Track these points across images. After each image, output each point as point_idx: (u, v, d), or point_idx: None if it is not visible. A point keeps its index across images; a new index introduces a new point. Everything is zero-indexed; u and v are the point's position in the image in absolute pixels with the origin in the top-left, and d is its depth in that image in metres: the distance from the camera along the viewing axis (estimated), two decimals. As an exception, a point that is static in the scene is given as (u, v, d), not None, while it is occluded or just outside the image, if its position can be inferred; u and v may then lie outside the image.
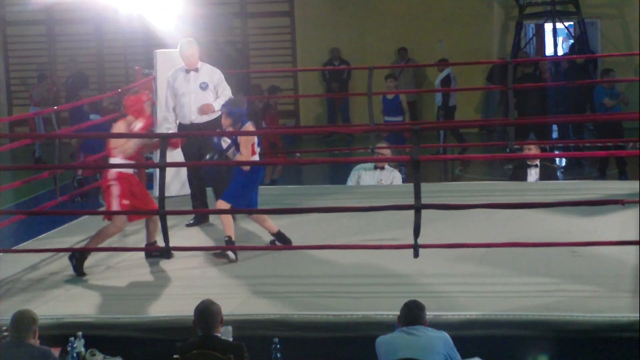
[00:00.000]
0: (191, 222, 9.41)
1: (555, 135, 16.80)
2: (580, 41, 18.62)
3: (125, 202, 8.02)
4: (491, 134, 18.64)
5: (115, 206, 8.02)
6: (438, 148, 15.85)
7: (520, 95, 14.30)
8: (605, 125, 14.27)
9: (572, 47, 19.17)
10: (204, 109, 9.22)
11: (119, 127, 8.32)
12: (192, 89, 9.30)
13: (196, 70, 9.37)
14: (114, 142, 8.19)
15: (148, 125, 8.43)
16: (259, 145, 8.37)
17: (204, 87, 9.30)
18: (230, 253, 8.13)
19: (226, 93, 9.29)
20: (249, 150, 8.13)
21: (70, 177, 14.89)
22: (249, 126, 8.28)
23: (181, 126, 9.41)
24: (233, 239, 8.17)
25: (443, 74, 18.02)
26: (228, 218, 8.21)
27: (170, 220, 8.08)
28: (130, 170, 8.24)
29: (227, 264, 8.08)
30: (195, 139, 9.14)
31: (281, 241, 8.40)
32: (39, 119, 18.23)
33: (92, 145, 13.98)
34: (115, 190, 8.02)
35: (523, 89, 14.09)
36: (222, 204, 8.20)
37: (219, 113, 8.80)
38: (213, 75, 9.38)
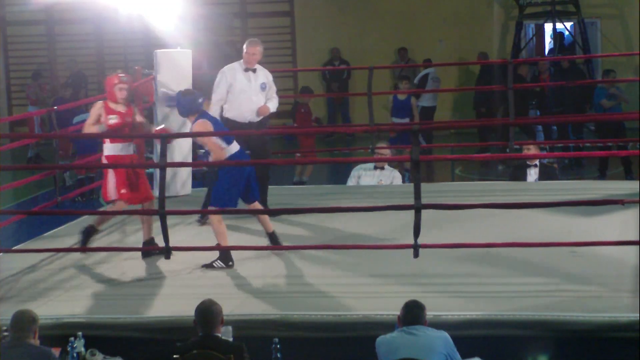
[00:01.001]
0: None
1: (555, 135, 16.82)
2: (560, 39, 18.72)
3: (123, 191, 8.20)
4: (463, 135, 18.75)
5: (111, 191, 8.23)
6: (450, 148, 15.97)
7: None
8: (606, 126, 14.28)
9: (563, 47, 19.21)
10: (262, 111, 9.25)
11: (93, 109, 8.35)
12: (253, 88, 9.27)
13: (254, 70, 9.35)
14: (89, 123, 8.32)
15: (122, 124, 8.31)
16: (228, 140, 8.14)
17: (263, 87, 9.32)
18: (217, 263, 7.99)
19: (275, 95, 9.40)
20: (216, 145, 8.00)
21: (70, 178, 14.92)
22: (202, 122, 8.10)
23: (235, 124, 9.19)
24: (224, 244, 8.00)
25: (422, 73, 18.09)
26: (220, 226, 8.00)
27: (170, 220, 8.09)
28: (119, 152, 8.29)
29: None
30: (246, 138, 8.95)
31: (273, 242, 8.29)
32: (37, 118, 18.22)
33: (85, 145, 13.95)
34: (112, 177, 8.21)
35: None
36: (213, 218, 8.05)
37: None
38: (268, 76, 9.42)
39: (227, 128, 8.75)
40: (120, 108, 8.34)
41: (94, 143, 14.16)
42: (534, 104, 17.20)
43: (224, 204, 8.02)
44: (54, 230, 9.75)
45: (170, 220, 8.19)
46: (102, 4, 14.38)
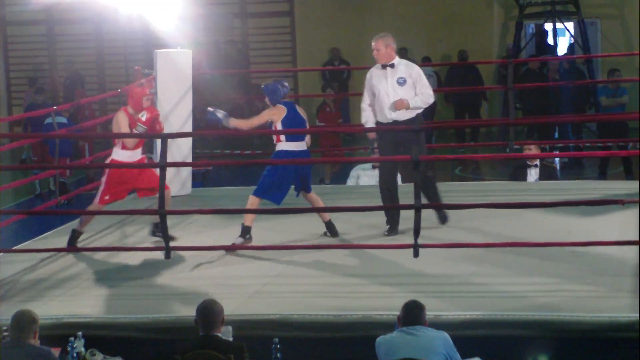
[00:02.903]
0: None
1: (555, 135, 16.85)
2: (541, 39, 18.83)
3: (107, 197, 8.57)
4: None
5: (100, 191, 8.63)
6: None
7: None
8: (607, 125, 14.29)
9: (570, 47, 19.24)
10: (397, 105, 8.75)
11: (121, 116, 8.62)
12: (389, 84, 8.89)
13: (392, 66, 9.04)
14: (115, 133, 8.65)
15: (153, 117, 8.60)
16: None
17: (401, 82, 8.87)
18: (238, 240, 8.40)
19: (424, 90, 8.82)
20: (251, 123, 8.53)
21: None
22: (277, 107, 8.52)
23: (381, 125, 8.89)
24: (248, 225, 8.45)
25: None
26: (252, 208, 8.42)
27: (171, 220, 8.10)
28: (127, 159, 8.58)
29: (227, 263, 8.08)
30: (391, 135, 8.78)
31: (331, 231, 8.67)
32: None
33: (60, 148, 13.91)
34: (104, 179, 8.59)
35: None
36: (252, 199, 8.46)
37: (419, 110, 8.79)
38: (411, 70, 8.98)
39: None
40: (145, 114, 8.62)
41: (69, 147, 14.20)
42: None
43: (268, 197, 8.46)
44: (54, 230, 9.75)
45: (171, 220, 8.21)
46: (102, 4, 14.39)
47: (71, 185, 14.40)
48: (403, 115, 8.75)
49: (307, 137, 8.70)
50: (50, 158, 14.60)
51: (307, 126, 8.83)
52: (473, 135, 18.25)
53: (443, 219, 8.88)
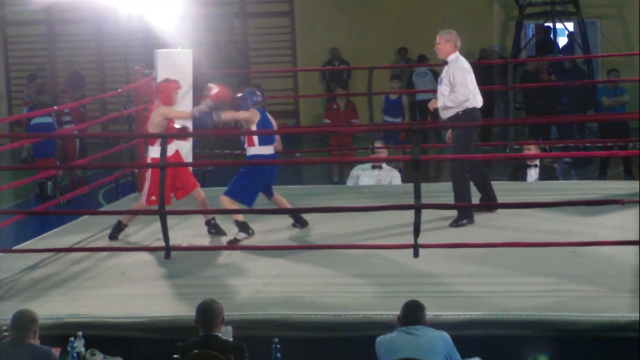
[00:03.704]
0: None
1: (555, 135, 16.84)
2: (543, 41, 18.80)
3: (153, 198, 8.60)
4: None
5: (144, 196, 8.85)
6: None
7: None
8: (607, 125, 14.28)
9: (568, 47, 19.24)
10: (430, 104, 9.16)
11: (157, 113, 8.88)
12: (444, 81, 9.08)
13: (445, 62, 9.17)
14: (152, 128, 8.81)
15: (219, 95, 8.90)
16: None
17: (440, 81, 9.14)
18: (240, 235, 8.64)
19: (457, 89, 8.87)
20: (238, 115, 8.89)
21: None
22: (253, 111, 8.83)
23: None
24: (242, 220, 8.68)
25: (417, 70, 18.12)
26: (232, 205, 8.66)
27: (170, 220, 8.10)
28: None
29: (227, 263, 8.08)
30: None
31: (298, 221, 8.98)
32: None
33: (43, 148, 13.90)
34: (148, 179, 8.81)
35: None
36: (224, 200, 8.69)
37: (459, 109, 8.87)
38: (453, 69, 9.06)
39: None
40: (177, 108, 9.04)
41: (53, 146, 14.20)
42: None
43: (241, 199, 8.68)
44: (54, 230, 9.75)
45: (170, 220, 8.20)
46: (102, 4, 14.41)
47: (65, 188, 14.38)
48: (442, 113, 9.02)
49: (278, 141, 9.08)
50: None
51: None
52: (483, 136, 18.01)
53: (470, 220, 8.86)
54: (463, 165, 8.81)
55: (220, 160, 13.96)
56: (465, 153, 8.83)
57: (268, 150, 8.82)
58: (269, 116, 9.02)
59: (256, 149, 8.80)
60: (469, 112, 8.86)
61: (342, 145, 14.86)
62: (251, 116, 8.83)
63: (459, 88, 8.84)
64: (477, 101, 8.98)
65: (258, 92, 9.04)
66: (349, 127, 16.31)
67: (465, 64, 9.07)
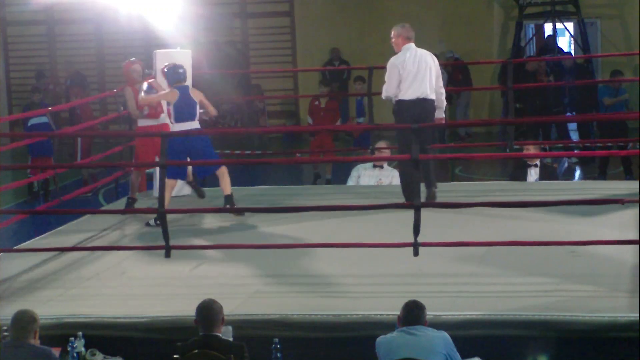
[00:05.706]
0: None
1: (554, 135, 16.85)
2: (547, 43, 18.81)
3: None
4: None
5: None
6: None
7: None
8: (607, 125, 14.28)
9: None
10: None
11: (127, 91, 9.91)
12: None
13: None
14: (142, 102, 9.55)
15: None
16: None
17: None
18: (152, 222, 9.09)
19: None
20: (152, 99, 9.54)
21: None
22: (172, 91, 9.27)
23: None
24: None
25: None
26: (168, 190, 9.04)
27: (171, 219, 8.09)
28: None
29: (227, 263, 8.09)
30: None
31: (230, 204, 9.23)
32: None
33: (37, 148, 13.89)
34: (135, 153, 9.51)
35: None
36: (168, 182, 8.82)
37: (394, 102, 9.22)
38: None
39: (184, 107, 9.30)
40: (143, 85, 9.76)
41: (48, 146, 14.21)
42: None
43: (171, 175, 9.10)
44: (54, 230, 9.75)
45: (171, 219, 8.20)
46: (102, 4, 14.42)
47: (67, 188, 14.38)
48: None
49: (211, 108, 9.58)
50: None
51: (198, 108, 9.45)
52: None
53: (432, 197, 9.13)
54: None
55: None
56: (404, 145, 8.98)
57: (188, 125, 9.20)
58: (192, 92, 9.33)
59: (174, 127, 9.28)
60: (399, 105, 9.19)
61: (322, 145, 14.64)
62: (167, 95, 9.26)
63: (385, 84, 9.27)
64: (408, 94, 9.17)
65: (181, 70, 9.36)
66: (349, 126, 16.30)
67: (397, 59, 9.29)
